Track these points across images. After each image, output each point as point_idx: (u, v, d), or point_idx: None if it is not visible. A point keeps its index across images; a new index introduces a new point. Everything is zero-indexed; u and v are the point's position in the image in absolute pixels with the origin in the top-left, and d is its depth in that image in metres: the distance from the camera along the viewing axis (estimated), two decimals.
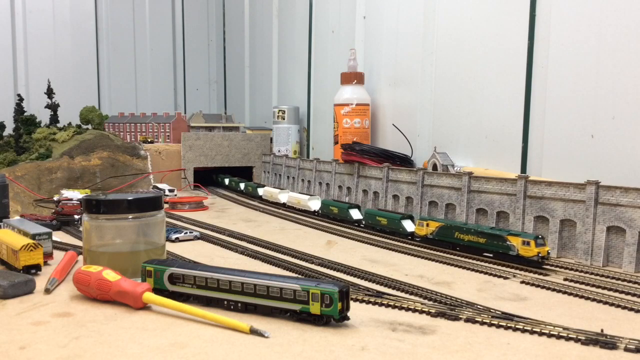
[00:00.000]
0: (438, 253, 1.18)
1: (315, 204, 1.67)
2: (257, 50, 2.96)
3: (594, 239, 1.07)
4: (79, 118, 2.34)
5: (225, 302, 0.81)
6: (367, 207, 1.63)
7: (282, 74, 2.68)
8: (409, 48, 1.75)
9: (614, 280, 0.96)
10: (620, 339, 0.68)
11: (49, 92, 2.33)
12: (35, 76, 2.86)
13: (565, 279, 0.97)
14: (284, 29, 2.63)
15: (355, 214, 1.51)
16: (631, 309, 0.82)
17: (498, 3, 1.44)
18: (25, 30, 2.88)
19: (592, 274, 1.01)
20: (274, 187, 2.14)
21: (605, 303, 0.85)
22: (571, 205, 1.12)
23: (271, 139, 2.51)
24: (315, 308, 0.74)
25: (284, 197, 1.86)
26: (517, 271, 1.03)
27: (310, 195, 1.76)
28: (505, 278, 1.00)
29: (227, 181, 2.36)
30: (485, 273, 1.03)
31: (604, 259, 1.06)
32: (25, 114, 2.27)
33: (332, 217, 1.58)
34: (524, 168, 1.38)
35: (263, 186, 2.09)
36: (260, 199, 2.02)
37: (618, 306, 0.83)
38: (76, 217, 1.50)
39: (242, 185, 2.20)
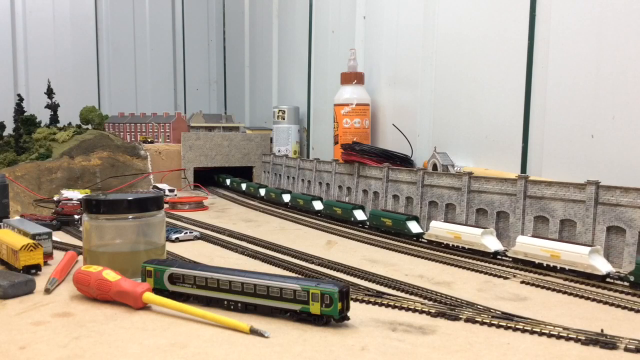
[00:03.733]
0: (438, 253, 1.18)
1: (491, 242, 1.14)
2: (257, 50, 2.96)
3: (594, 239, 1.07)
4: (79, 118, 2.34)
5: (225, 302, 0.81)
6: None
7: (282, 74, 2.68)
8: (409, 48, 1.75)
9: (614, 281, 0.96)
10: (620, 339, 0.68)
11: (49, 92, 2.33)
12: (35, 76, 2.86)
13: (565, 279, 0.97)
14: (284, 29, 2.63)
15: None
16: (631, 309, 0.82)
17: (498, 3, 1.44)
18: (25, 30, 2.88)
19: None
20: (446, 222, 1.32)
21: (605, 303, 0.85)
22: (571, 205, 1.12)
23: (271, 139, 2.51)
24: (315, 308, 0.74)
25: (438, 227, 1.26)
26: (517, 271, 1.03)
27: (482, 227, 1.17)
28: (505, 278, 1.00)
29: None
30: (485, 273, 1.03)
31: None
32: (25, 114, 2.27)
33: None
34: (524, 168, 1.38)
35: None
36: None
37: (618, 306, 0.83)
38: (76, 217, 1.50)
39: (262, 191, 2.02)
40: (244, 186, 2.20)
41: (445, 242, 1.21)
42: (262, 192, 2.03)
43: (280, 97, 2.70)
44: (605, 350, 0.67)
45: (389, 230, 1.37)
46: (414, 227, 1.32)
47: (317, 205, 1.69)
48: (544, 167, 1.32)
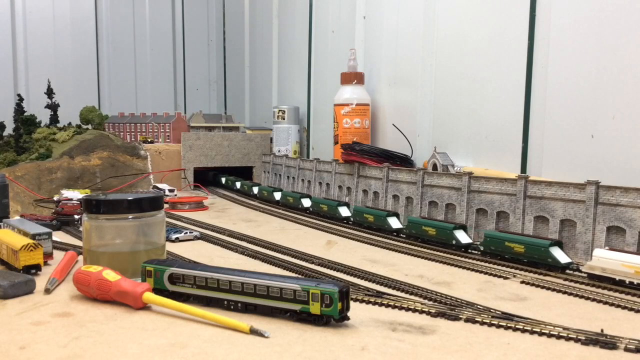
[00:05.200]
0: (438, 253, 1.18)
1: None
2: (257, 50, 2.96)
3: (594, 239, 1.07)
4: (79, 118, 2.34)
5: (225, 302, 0.81)
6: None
7: (282, 74, 2.68)
8: (409, 48, 1.75)
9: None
10: (620, 339, 0.68)
11: (49, 92, 2.33)
12: (35, 76, 2.86)
13: (565, 279, 0.97)
14: (284, 29, 2.63)
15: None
16: (631, 309, 0.82)
17: (498, 3, 1.44)
18: (25, 30, 2.89)
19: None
20: None
21: (605, 303, 0.84)
22: (571, 205, 1.12)
23: (271, 139, 2.51)
24: (315, 308, 0.74)
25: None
26: (517, 271, 1.03)
27: None
28: (505, 278, 1.00)
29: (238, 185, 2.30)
30: (485, 273, 1.03)
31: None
32: (25, 114, 2.27)
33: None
34: (524, 168, 1.38)
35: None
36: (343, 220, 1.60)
37: (618, 306, 0.83)
38: (76, 217, 1.50)
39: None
40: (238, 184, 2.25)
41: (619, 278, 0.91)
42: (255, 189, 2.08)
43: (280, 97, 2.70)
44: (605, 350, 0.67)
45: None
46: (463, 237, 1.19)
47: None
48: (544, 167, 1.32)
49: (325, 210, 1.61)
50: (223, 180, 2.39)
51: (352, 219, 1.51)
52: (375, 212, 1.42)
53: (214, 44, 3.52)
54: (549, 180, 1.18)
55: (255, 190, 2.08)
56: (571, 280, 0.96)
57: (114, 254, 1.00)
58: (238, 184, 2.25)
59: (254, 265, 1.11)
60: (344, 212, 1.56)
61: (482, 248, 1.14)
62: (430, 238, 1.25)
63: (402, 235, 1.35)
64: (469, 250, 1.18)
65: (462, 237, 1.19)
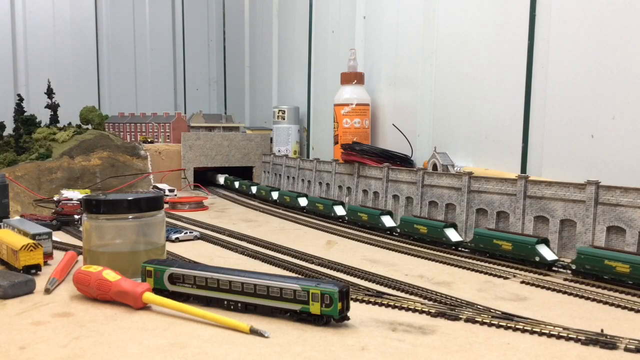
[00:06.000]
0: (438, 253, 1.18)
1: None
2: (257, 50, 2.96)
3: (594, 239, 1.07)
4: (79, 118, 2.34)
5: (225, 302, 0.81)
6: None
7: (282, 74, 2.68)
8: (409, 48, 1.75)
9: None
10: (620, 339, 0.68)
11: (49, 92, 2.33)
12: (35, 76, 2.86)
13: (565, 279, 0.97)
14: (284, 29, 2.63)
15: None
16: (631, 309, 0.82)
17: (498, 3, 1.44)
18: (25, 30, 2.89)
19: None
20: None
21: (605, 303, 0.84)
22: (571, 205, 1.12)
23: (271, 139, 2.51)
24: (315, 308, 0.74)
25: None
26: (517, 271, 1.03)
27: None
28: (505, 278, 1.00)
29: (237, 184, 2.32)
30: (485, 273, 1.03)
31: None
32: (25, 114, 2.27)
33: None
34: (524, 168, 1.38)
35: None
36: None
37: (618, 306, 0.83)
38: (76, 217, 1.50)
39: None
40: (237, 184, 2.26)
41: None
42: (254, 189, 2.10)
43: (280, 97, 2.70)
44: (605, 350, 0.67)
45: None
46: (453, 235, 1.21)
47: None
48: (544, 167, 1.32)
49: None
50: (222, 180, 2.39)
51: (347, 218, 1.54)
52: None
53: (214, 44, 3.52)
54: (549, 180, 1.18)
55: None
56: (571, 280, 0.96)
57: (114, 254, 1.00)
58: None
59: (254, 265, 1.11)
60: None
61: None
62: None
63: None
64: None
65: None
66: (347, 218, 1.54)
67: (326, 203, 1.63)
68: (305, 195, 1.79)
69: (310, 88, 2.38)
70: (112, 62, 3.19)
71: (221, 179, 2.42)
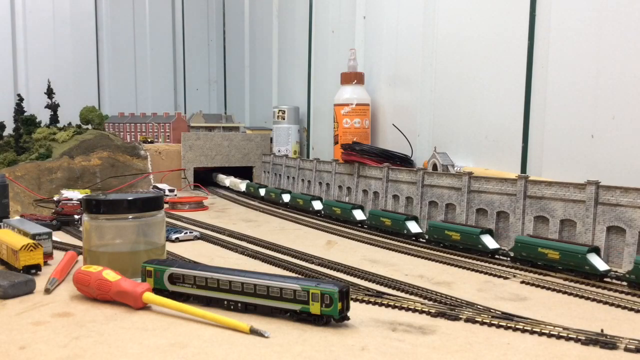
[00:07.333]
0: (438, 253, 1.18)
1: None
2: (257, 50, 2.96)
3: (594, 239, 1.07)
4: (79, 118, 2.34)
5: (225, 302, 0.81)
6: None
7: (282, 74, 2.68)
8: (409, 48, 1.75)
9: (614, 281, 0.96)
10: (620, 339, 0.68)
11: (49, 92, 2.33)
12: (35, 76, 2.86)
13: (565, 279, 0.97)
14: (284, 29, 2.63)
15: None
16: (631, 309, 0.82)
17: (498, 3, 1.44)
18: (25, 30, 2.88)
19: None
20: None
21: (605, 303, 0.84)
22: (571, 205, 1.12)
23: (271, 139, 2.51)
24: (315, 308, 0.74)
25: None
26: (517, 271, 1.03)
27: None
28: (505, 278, 1.00)
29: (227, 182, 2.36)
30: (485, 273, 1.03)
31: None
32: (25, 114, 2.27)
33: (384, 229, 1.39)
34: (524, 168, 1.38)
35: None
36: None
37: (618, 306, 0.83)
38: (76, 217, 1.50)
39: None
40: (262, 192, 2.15)
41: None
42: (262, 192, 2.05)
43: (280, 97, 2.70)
44: (605, 350, 0.67)
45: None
46: (413, 227, 1.31)
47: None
48: (544, 167, 1.32)
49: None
50: (227, 182, 2.34)
51: (367, 222, 1.46)
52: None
53: (214, 44, 3.52)
54: (549, 180, 1.18)
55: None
56: (571, 281, 0.96)
57: (114, 254, 1.00)
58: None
59: (254, 265, 1.11)
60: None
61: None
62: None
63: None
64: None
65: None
66: (368, 222, 1.45)
67: (344, 207, 1.54)
68: (320, 199, 1.73)
69: (310, 88, 2.38)
70: (112, 62, 3.18)
71: (227, 181, 2.35)
